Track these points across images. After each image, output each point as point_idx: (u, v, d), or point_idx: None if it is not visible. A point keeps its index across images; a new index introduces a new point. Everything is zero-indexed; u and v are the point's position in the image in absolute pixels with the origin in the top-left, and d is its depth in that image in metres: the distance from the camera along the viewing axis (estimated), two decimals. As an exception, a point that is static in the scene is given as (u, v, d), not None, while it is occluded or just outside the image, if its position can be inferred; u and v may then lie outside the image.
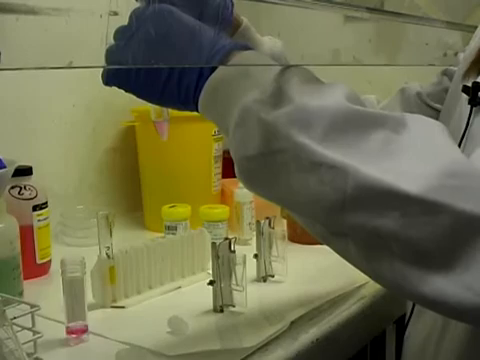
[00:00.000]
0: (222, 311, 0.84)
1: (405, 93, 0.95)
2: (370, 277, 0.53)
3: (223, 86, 0.56)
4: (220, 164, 1.30)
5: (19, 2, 0.41)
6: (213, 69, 0.57)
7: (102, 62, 0.51)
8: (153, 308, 0.88)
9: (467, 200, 0.47)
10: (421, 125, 0.52)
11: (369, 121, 0.51)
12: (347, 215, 0.49)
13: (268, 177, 0.54)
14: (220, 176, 1.31)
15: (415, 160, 0.49)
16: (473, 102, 0.64)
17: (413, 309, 0.74)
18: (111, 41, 0.54)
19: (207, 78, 0.57)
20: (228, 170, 1.28)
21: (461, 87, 0.67)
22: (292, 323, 0.80)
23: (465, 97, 0.66)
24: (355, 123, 0.50)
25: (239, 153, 0.55)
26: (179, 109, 0.61)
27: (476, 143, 0.58)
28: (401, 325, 1.04)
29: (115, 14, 0.48)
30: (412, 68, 0.90)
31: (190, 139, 1.24)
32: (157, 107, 0.74)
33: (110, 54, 0.53)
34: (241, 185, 1.14)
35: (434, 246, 0.47)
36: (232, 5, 0.67)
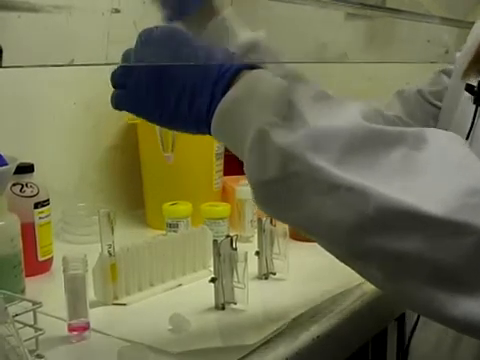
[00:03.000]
0: (223, 308, 0.84)
1: (404, 93, 0.93)
2: (396, 300, 0.52)
3: (236, 108, 0.55)
4: (221, 161, 1.30)
5: (21, 0, 0.41)
6: (225, 91, 0.56)
7: (104, 60, 0.51)
8: (155, 305, 0.88)
9: None
10: (441, 140, 0.51)
11: (387, 139, 0.50)
12: (368, 238, 0.48)
13: (285, 201, 0.53)
14: (221, 173, 1.31)
15: (436, 179, 0.48)
16: (479, 102, 0.64)
17: (418, 318, 0.72)
18: (116, 38, 0.53)
19: (219, 100, 0.56)
20: (229, 167, 1.28)
21: (464, 85, 0.66)
22: (293, 320, 0.80)
23: (467, 96, 0.65)
24: (372, 142, 0.49)
25: (255, 177, 0.54)
26: (190, 132, 0.61)
27: None
28: (402, 322, 1.04)
29: (117, 12, 0.48)
30: (413, 65, 0.90)
31: (191, 137, 1.23)
32: (165, 136, 0.75)
33: (117, 76, 0.53)
34: (243, 182, 1.14)
35: (460, 267, 0.46)
36: None
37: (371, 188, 0.47)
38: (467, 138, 0.64)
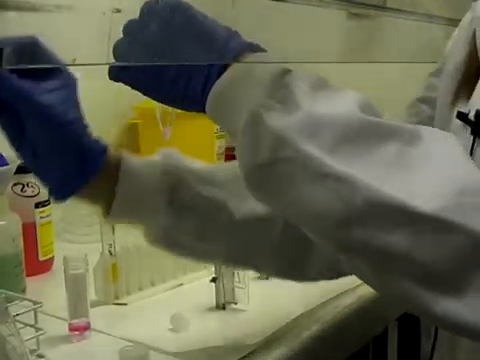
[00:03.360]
0: (224, 308, 0.84)
1: None
2: (381, 294, 0.52)
3: (231, 89, 0.54)
4: (222, 161, 1.30)
5: (22, 0, 0.41)
6: (221, 72, 0.55)
7: (105, 59, 0.51)
8: (155, 305, 0.88)
9: None
10: (436, 138, 0.50)
11: (382, 132, 0.49)
12: (354, 230, 0.47)
13: (275, 186, 0.52)
14: (222, 173, 1.31)
15: (429, 176, 0.47)
16: (477, 132, 0.60)
17: (436, 335, 0.69)
18: (117, 37, 0.53)
19: (215, 80, 0.55)
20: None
21: (453, 113, 0.62)
22: (294, 320, 0.80)
23: (459, 123, 0.62)
24: (367, 134, 0.48)
25: (246, 160, 0.53)
26: (185, 109, 0.60)
27: None
28: (403, 322, 1.04)
29: (118, 11, 0.48)
30: (413, 65, 0.90)
31: (192, 136, 1.24)
32: (163, 109, 0.73)
33: (118, 49, 0.52)
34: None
35: (446, 267, 0.45)
36: (105, 150, 0.65)
37: (360, 179, 0.47)
38: None
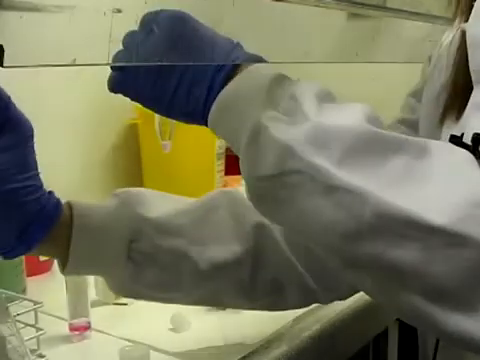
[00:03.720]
0: (224, 308, 0.84)
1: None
2: (389, 309, 0.51)
3: (235, 101, 0.53)
4: (223, 161, 1.30)
5: (23, 0, 0.41)
6: (224, 83, 0.54)
7: (106, 60, 0.51)
8: (155, 305, 0.88)
9: None
10: (445, 152, 0.49)
11: (390, 145, 0.48)
12: (363, 244, 0.46)
13: (281, 199, 0.50)
14: (223, 173, 1.31)
15: (439, 188, 0.46)
16: (476, 156, 0.56)
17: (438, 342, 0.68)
18: (117, 37, 0.53)
19: (218, 92, 0.54)
20: (231, 167, 1.28)
21: (448, 137, 0.60)
22: (294, 320, 0.80)
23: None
24: (375, 146, 0.47)
25: (251, 173, 0.51)
26: (186, 121, 0.58)
27: None
28: (403, 322, 1.04)
29: (119, 11, 0.47)
30: (414, 65, 0.90)
31: (193, 136, 1.24)
32: (163, 124, 0.73)
33: (118, 59, 0.51)
34: (244, 182, 1.14)
35: (457, 282, 0.44)
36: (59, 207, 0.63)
37: (371, 192, 0.45)
38: None
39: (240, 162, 0.53)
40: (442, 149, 0.49)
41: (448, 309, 0.44)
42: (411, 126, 0.76)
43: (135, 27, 0.53)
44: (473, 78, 0.60)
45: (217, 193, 0.74)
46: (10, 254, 0.61)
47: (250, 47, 0.59)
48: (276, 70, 0.55)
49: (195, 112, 0.56)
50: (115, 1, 0.47)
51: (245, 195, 0.54)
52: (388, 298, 0.49)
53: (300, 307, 0.77)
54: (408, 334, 1.07)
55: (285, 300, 0.73)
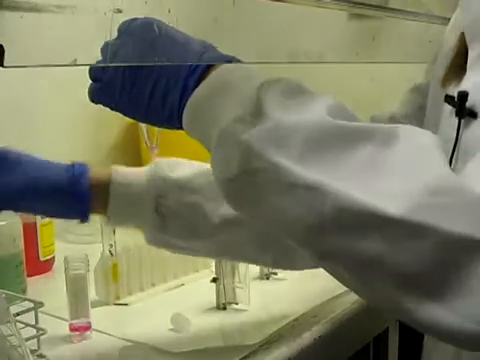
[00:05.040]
0: (225, 308, 0.84)
1: (374, 121, 0.84)
2: (369, 303, 0.51)
3: (205, 104, 0.54)
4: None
5: (23, 0, 0.41)
6: (196, 87, 0.55)
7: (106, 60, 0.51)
8: (156, 305, 0.88)
9: (454, 220, 0.43)
10: (412, 138, 0.48)
11: (353, 136, 0.48)
12: (328, 237, 0.46)
13: (248, 198, 0.52)
14: (223, 173, 1.31)
15: (398, 177, 0.45)
16: (460, 114, 0.57)
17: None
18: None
19: (190, 95, 0.55)
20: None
21: (443, 97, 0.61)
22: (295, 320, 0.80)
23: (449, 108, 0.60)
24: (336, 139, 0.47)
25: (220, 175, 0.53)
26: (166, 128, 0.60)
27: (467, 157, 0.52)
28: (403, 322, 1.03)
29: (119, 11, 0.48)
30: (415, 65, 0.90)
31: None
32: (150, 129, 0.79)
33: (95, 70, 0.55)
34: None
35: (422, 271, 0.44)
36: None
37: (329, 186, 0.46)
38: (452, 153, 0.58)
39: (210, 164, 0.54)
40: (410, 135, 0.49)
41: (418, 297, 0.44)
42: (422, 92, 0.77)
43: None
44: (467, 39, 0.60)
45: None
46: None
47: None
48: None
49: (171, 117, 0.57)
50: (115, 1, 0.47)
51: None
52: (366, 290, 0.49)
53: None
54: (408, 334, 1.07)
55: (294, 254, 0.73)
